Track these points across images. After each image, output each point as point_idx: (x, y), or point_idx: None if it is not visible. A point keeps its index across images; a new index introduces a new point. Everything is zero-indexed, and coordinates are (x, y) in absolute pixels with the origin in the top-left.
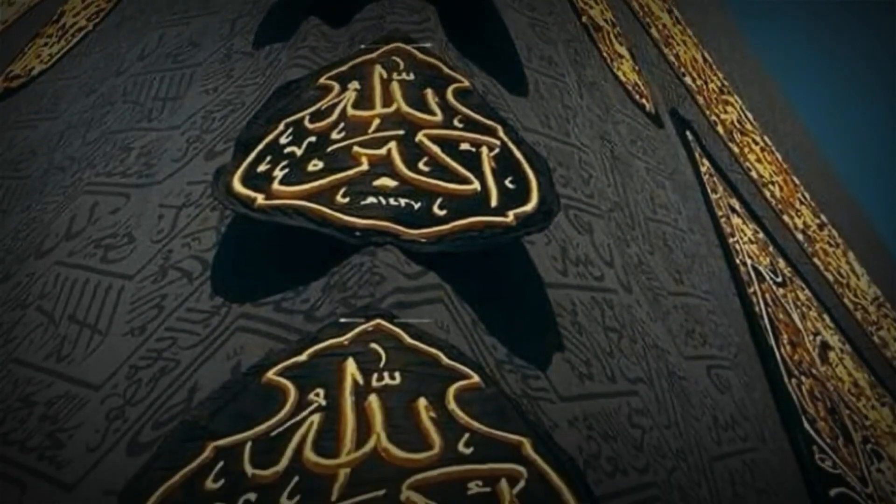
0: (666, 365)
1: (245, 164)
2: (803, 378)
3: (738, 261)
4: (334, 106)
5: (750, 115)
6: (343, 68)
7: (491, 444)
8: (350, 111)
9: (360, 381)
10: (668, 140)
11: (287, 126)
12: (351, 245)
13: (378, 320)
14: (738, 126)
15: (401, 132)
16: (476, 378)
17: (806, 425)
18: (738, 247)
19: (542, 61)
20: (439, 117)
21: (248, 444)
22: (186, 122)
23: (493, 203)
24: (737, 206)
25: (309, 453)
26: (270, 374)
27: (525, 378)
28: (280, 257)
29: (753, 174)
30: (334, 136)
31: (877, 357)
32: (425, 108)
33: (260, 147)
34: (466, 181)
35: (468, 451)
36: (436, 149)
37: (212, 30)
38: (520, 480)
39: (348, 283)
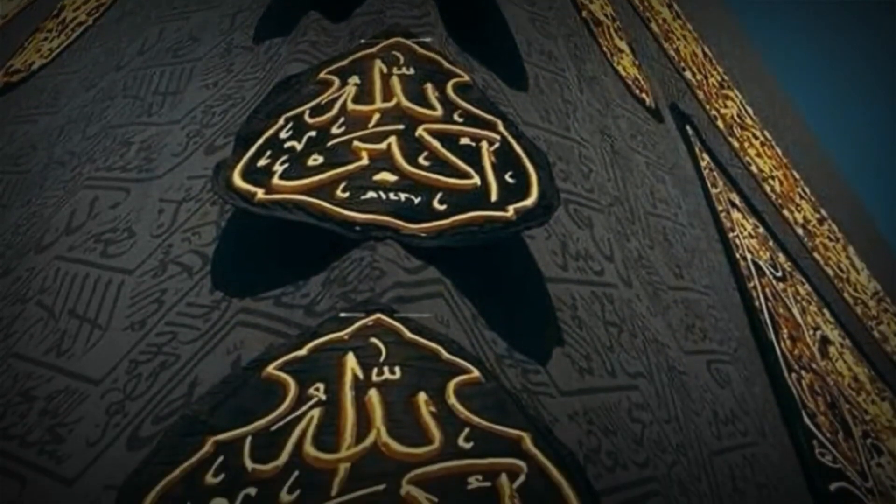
0: (666, 359)
1: (245, 159)
2: (803, 373)
3: (738, 255)
4: (334, 101)
5: (750, 110)
6: (343, 63)
7: (491, 439)
8: (350, 106)
9: (360, 375)
10: (669, 135)
11: (287, 121)
12: (351, 240)
13: (378, 315)
14: (738, 121)
15: (401, 127)
16: (476, 373)
17: (806, 420)
18: (738, 241)
19: (542, 56)
20: (439, 112)
21: (248, 439)
22: (186, 116)
23: (493, 197)
24: (737, 200)
25: (309, 448)
26: (270, 369)
27: (525, 372)
28: (280, 252)
29: (753, 169)
30: (334, 130)
31: (877, 352)
32: (425, 103)
33: (260, 142)
34: (466, 176)
35: (468, 445)
36: (436, 143)
37: (212, 24)
38: (520, 475)
39: (348, 278)
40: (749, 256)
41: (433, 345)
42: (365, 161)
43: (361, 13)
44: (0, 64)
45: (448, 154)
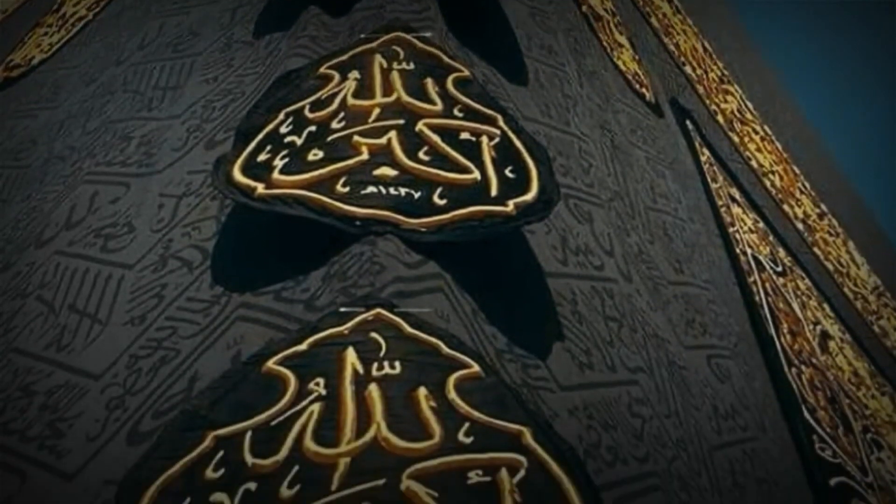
0: (666, 354)
1: (245, 154)
2: (803, 367)
3: (738, 250)
4: (334, 95)
5: (750, 105)
6: (343, 58)
7: (491, 434)
8: (350, 101)
9: (361, 370)
10: (668, 129)
11: (287, 115)
12: (351, 234)
13: (378, 310)
14: (737, 115)
15: (401, 122)
16: (476, 367)
17: (806, 415)
18: (738, 236)
19: (542, 50)
20: (439, 107)
21: (249, 434)
22: (186, 111)
23: (493, 192)
24: (737, 195)
25: (309, 443)
26: (270, 364)
27: (525, 367)
28: (280, 247)
29: (753, 164)
30: (334, 125)
31: (877, 346)
32: (425, 98)
33: (260, 136)
34: (466, 170)
35: (468, 440)
36: (436, 138)
37: (212, 19)
38: (520, 470)
39: (348, 273)
40: (749, 251)
41: (433, 339)
42: (365, 156)
43: (361, 8)
44: (0, 59)
45: (448, 149)
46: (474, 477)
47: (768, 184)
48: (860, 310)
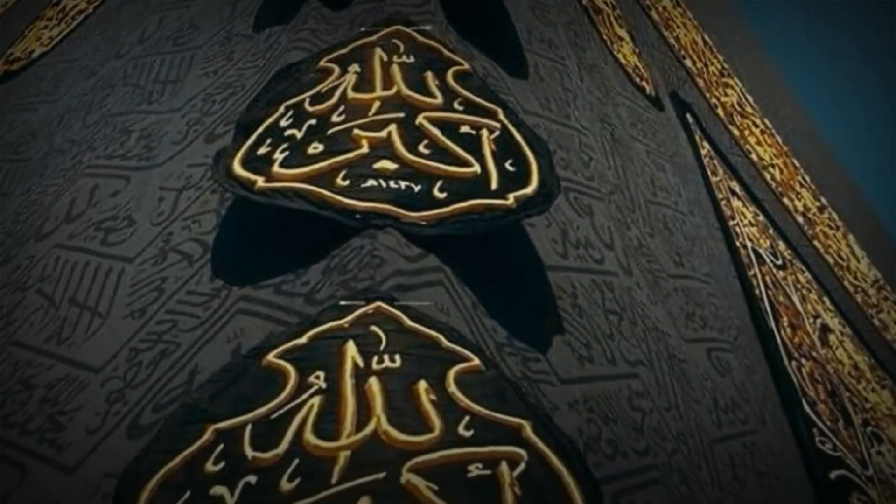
0: (666, 347)
1: (245, 147)
2: (803, 361)
3: (738, 243)
4: (334, 89)
5: (750, 98)
6: (343, 51)
7: (491, 427)
8: (350, 94)
9: (361, 363)
10: (669, 123)
11: (287, 109)
12: (351, 228)
13: (378, 303)
14: (738, 109)
15: (401, 115)
16: (476, 361)
17: (806, 408)
18: (738, 229)
19: (543, 44)
20: (439, 100)
21: (249, 427)
22: (187, 104)
23: (494, 186)
24: (737, 188)
25: (309, 436)
26: (270, 357)
27: (525, 361)
28: (280, 240)
29: (753, 157)
30: (334, 118)
31: (877, 340)
32: (425, 91)
33: (260, 130)
34: (467, 164)
35: (468, 433)
36: (436, 131)
37: (212, 12)
38: (520, 463)
39: (348, 266)
40: (749, 244)
41: (433, 333)
42: (365, 149)
43: (361, 1)
44: (0, 52)
45: (448, 142)
46: (474, 470)
47: (768, 177)
48: (860, 303)
